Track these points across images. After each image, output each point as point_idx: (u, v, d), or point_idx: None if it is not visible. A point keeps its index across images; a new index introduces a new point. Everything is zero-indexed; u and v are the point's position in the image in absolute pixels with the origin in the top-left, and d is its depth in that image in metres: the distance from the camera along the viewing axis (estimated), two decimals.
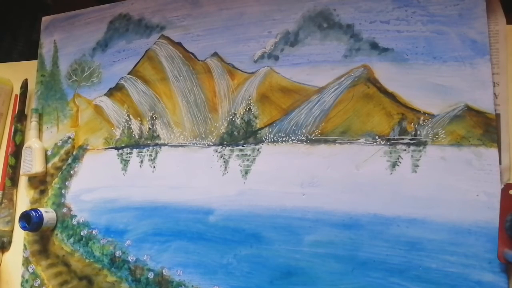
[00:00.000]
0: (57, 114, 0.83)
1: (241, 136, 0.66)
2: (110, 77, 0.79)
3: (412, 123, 0.57)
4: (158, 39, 0.76)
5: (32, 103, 0.86)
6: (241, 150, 0.66)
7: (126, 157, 0.74)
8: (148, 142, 0.73)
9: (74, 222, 0.76)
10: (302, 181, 0.61)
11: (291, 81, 0.65)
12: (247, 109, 0.67)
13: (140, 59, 0.77)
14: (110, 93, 0.79)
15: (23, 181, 0.83)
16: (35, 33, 1.10)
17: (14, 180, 0.83)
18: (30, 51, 0.99)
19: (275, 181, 0.63)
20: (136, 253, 0.70)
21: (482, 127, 0.54)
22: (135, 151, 0.74)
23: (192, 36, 0.73)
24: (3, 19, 1.16)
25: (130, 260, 0.70)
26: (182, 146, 0.70)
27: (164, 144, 0.72)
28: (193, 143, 0.70)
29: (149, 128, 0.74)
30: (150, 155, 0.72)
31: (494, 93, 0.54)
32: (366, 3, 0.62)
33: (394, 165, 0.57)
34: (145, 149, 0.73)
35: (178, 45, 0.74)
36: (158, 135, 0.72)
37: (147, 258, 0.69)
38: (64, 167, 0.79)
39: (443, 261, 0.53)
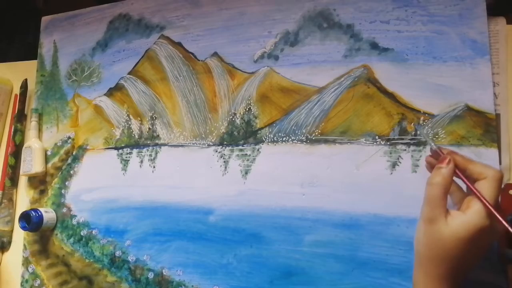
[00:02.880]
0: (57, 114, 0.83)
1: (241, 136, 0.66)
2: (110, 77, 0.79)
3: (412, 123, 0.57)
4: (158, 39, 0.76)
5: (32, 103, 0.86)
6: (241, 150, 0.66)
7: (126, 157, 0.74)
8: (148, 142, 0.73)
9: (74, 222, 0.76)
10: (302, 181, 0.61)
11: (291, 81, 0.65)
12: (247, 109, 0.67)
13: (140, 59, 0.77)
14: (110, 93, 0.79)
15: (23, 181, 0.83)
16: (29, 35, 1.09)
17: (14, 180, 0.83)
18: (25, 54, 0.99)
19: (275, 181, 0.63)
20: (136, 253, 0.69)
21: (482, 127, 0.54)
22: (135, 151, 0.74)
23: (192, 36, 0.73)
24: None
25: (130, 260, 0.70)
26: (182, 146, 0.70)
27: (164, 144, 0.72)
28: (193, 143, 0.70)
29: (149, 128, 0.74)
30: (150, 155, 0.72)
31: (494, 93, 0.54)
32: (366, 3, 0.62)
33: (394, 165, 0.57)
34: (145, 149, 0.73)
35: (178, 45, 0.74)
36: (158, 135, 0.72)
37: (147, 258, 0.69)
38: (64, 167, 0.79)
39: None
